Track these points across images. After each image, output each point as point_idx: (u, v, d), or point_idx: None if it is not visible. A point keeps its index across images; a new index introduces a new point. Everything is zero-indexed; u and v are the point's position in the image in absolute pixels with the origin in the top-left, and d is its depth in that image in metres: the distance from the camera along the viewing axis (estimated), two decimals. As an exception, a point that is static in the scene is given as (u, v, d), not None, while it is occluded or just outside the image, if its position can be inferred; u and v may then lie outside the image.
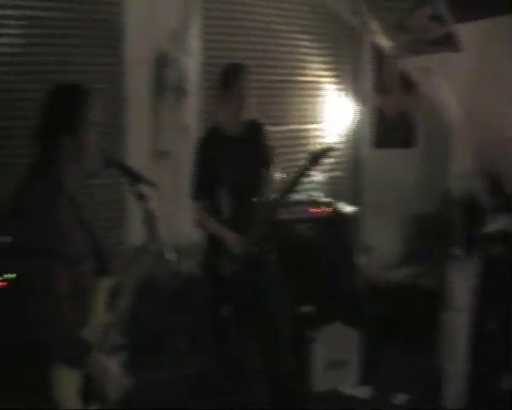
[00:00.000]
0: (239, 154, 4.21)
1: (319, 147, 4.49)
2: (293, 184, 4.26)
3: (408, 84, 6.70)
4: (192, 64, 5.52)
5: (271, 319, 4.27)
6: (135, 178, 2.69)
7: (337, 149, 6.32)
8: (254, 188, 4.27)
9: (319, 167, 5.87)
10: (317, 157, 4.23)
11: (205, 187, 4.18)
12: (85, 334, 2.44)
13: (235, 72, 4.16)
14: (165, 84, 5.30)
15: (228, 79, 4.15)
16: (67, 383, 2.37)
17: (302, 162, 4.27)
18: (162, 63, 5.27)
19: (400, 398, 5.13)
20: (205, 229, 4.28)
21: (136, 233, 2.77)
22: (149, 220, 2.66)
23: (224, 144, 4.20)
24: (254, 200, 4.22)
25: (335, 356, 5.29)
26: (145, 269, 2.78)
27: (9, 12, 4.77)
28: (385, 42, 5.13)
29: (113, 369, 2.50)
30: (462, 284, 4.79)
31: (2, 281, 4.03)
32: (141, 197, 2.66)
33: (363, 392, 5.28)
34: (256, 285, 4.19)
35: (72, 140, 2.46)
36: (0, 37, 4.74)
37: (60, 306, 2.29)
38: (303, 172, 4.26)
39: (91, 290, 2.53)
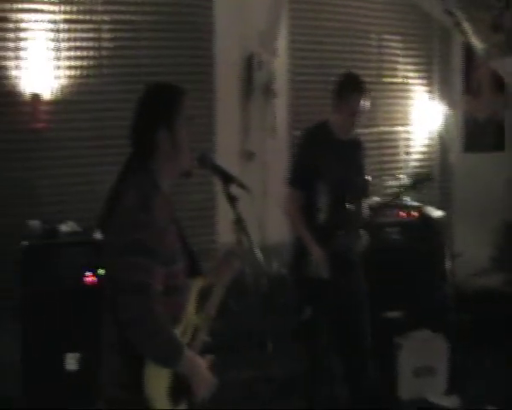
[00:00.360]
0: (343, 159, 4.20)
1: (420, 173, 4.54)
2: (389, 203, 4.44)
3: (500, 87, 6.53)
4: (280, 65, 5.52)
5: (355, 326, 4.26)
6: (227, 179, 2.68)
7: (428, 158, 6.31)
8: (352, 196, 4.26)
9: (408, 171, 5.90)
10: (416, 183, 4.26)
11: (303, 178, 4.16)
12: (177, 334, 2.45)
13: (353, 84, 4.15)
14: (253, 85, 5.32)
15: (344, 89, 4.13)
16: (158, 382, 2.36)
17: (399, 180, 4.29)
18: (251, 64, 5.29)
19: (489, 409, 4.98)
20: (291, 220, 4.28)
21: (226, 233, 2.78)
22: (239, 222, 2.65)
23: (332, 145, 4.19)
24: (350, 207, 4.21)
25: (423, 363, 5.17)
26: (234, 271, 2.78)
27: (106, 17, 4.94)
28: (477, 42, 5.01)
29: (202, 369, 2.50)
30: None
31: (94, 277, 4.18)
32: (232, 199, 2.65)
33: (451, 401, 5.13)
34: (342, 290, 4.17)
35: (168, 135, 2.47)
36: (95, 41, 4.90)
37: (154, 305, 2.31)
38: (400, 194, 4.41)
39: (183, 290, 2.54)
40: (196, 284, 2.60)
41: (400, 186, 4.49)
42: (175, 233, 2.48)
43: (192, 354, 2.45)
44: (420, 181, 4.29)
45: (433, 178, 4.56)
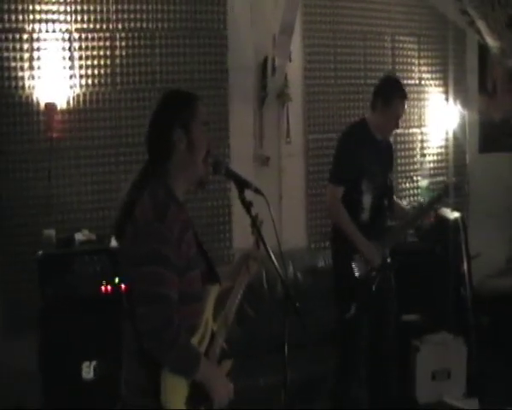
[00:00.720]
0: (381, 159, 4.32)
1: (437, 192, 4.88)
2: (424, 212, 4.62)
3: (516, 86, 6.50)
4: (294, 70, 5.52)
5: (387, 328, 4.38)
6: (242, 184, 2.67)
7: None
8: (389, 196, 4.42)
9: (424, 173, 5.90)
10: (434, 203, 4.54)
11: (348, 175, 4.21)
12: (194, 341, 2.47)
13: (399, 90, 4.25)
14: (267, 90, 5.32)
15: (390, 94, 4.22)
16: (176, 390, 2.37)
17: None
18: (265, 69, 5.29)
19: (508, 410, 4.95)
20: (337, 217, 4.26)
21: (242, 239, 2.79)
22: (255, 226, 2.66)
23: (372, 145, 4.27)
24: (388, 208, 4.37)
25: (440, 366, 5.15)
26: (252, 274, 2.78)
27: (119, 25, 4.95)
28: (491, 41, 4.97)
29: (219, 377, 2.51)
30: None
31: (110, 286, 4.19)
32: (248, 204, 2.65)
33: (470, 404, 5.10)
34: (381, 290, 4.25)
35: (184, 135, 2.46)
36: (109, 49, 4.91)
37: (172, 315, 2.30)
38: (437, 201, 4.61)
39: (200, 297, 2.54)
40: (214, 291, 2.60)
41: (419, 208, 4.76)
42: (191, 240, 2.48)
43: (209, 363, 2.46)
44: (438, 199, 4.55)
45: (448, 193, 4.73)
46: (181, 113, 2.49)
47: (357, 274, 4.13)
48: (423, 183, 6.11)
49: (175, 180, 2.49)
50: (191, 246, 2.46)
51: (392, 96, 4.19)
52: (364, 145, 4.22)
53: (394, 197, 4.56)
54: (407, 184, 6.22)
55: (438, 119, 6.33)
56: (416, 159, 6.25)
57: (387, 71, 6.02)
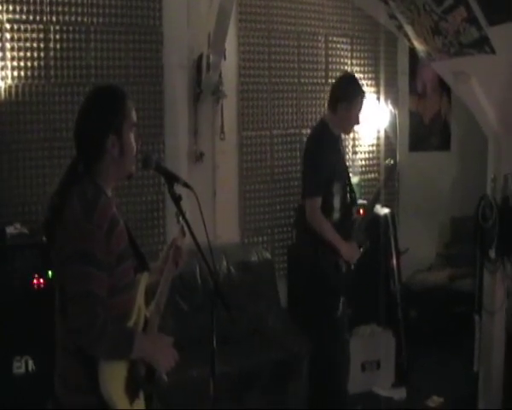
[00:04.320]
0: (343, 156, 4.50)
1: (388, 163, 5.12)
2: (376, 199, 4.78)
3: (443, 88, 6.71)
4: (228, 67, 5.58)
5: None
6: (172, 179, 2.72)
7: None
8: (351, 190, 4.55)
9: (355, 170, 6.04)
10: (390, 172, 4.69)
11: (324, 183, 4.28)
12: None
13: (359, 87, 4.40)
14: (202, 87, 5.36)
15: (352, 91, 4.34)
16: (114, 380, 2.40)
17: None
18: (200, 66, 5.33)
19: (435, 400, 5.12)
20: (319, 228, 4.29)
21: (175, 233, 2.84)
22: (183, 216, 2.71)
23: (336, 145, 4.40)
24: (354, 205, 4.53)
25: (370, 357, 5.30)
26: (179, 260, 2.81)
27: (53, 18, 4.88)
28: (419, 45, 5.12)
29: (159, 343, 2.55)
30: (496, 286, 4.78)
31: (42, 280, 4.15)
32: (177, 198, 2.70)
33: (398, 393, 5.27)
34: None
35: (117, 141, 2.47)
36: (42, 42, 4.84)
37: (99, 310, 2.30)
38: (382, 187, 4.90)
39: (132, 287, 2.56)
40: (144, 278, 2.65)
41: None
42: (122, 233, 2.50)
43: (145, 335, 2.52)
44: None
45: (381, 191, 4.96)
46: (114, 119, 2.48)
47: (342, 272, 4.32)
48: (354, 180, 6.23)
49: (104, 178, 2.51)
50: (122, 239, 2.48)
51: (355, 92, 4.34)
52: (332, 148, 4.31)
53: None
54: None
55: (369, 118, 6.46)
56: (347, 156, 6.39)
57: (321, 70, 6.16)
